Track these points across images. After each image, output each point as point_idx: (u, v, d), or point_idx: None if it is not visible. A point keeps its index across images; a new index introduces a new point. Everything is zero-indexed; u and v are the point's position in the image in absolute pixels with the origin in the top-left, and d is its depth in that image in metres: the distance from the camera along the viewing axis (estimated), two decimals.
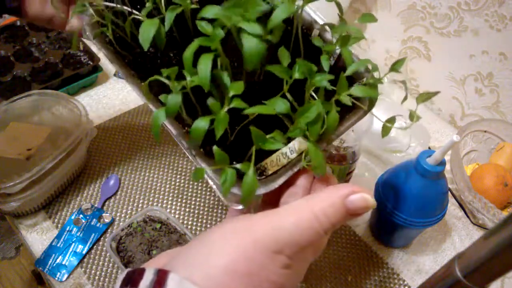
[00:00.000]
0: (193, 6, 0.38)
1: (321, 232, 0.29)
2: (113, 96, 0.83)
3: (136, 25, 0.40)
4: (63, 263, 0.59)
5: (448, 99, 0.88)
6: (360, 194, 0.30)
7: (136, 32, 0.40)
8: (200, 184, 0.70)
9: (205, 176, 0.35)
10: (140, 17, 0.38)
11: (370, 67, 0.37)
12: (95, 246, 0.62)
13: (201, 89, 0.33)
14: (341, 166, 0.59)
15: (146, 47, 0.34)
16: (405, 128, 0.38)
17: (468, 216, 0.71)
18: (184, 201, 0.68)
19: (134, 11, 0.40)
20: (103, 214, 0.65)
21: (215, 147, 0.32)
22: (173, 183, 0.70)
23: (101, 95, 0.83)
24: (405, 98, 0.38)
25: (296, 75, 0.34)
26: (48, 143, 0.65)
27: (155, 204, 0.67)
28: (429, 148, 0.78)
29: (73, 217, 0.64)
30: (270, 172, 0.35)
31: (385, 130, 0.38)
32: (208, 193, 0.69)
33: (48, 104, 0.69)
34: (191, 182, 0.71)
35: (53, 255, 0.60)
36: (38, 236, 0.63)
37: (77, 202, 0.67)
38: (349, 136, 0.60)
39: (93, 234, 0.62)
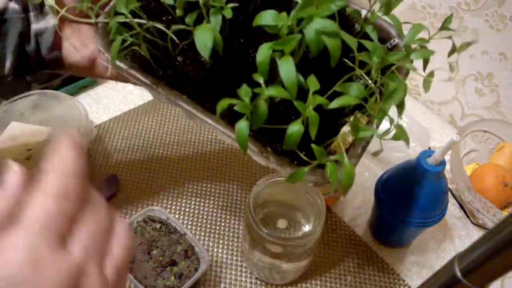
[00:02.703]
0: (231, 5, 0.37)
1: None
2: (113, 96, 0.83)
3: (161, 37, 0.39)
4: None
5: (448, 99, 0.88)
6: None
7: (169, 46, 0.40)
8: (200, 184, 0.70)
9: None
10: (163, 28, 0.38)
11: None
12: None
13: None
14: None
15: (207, 55, 0.34)
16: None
17: (468, 216, 0.71)
18: (184, 201, 0.68)
19: (155, 24, 0.39)
20: None
21: (313, 145, 0.33)
22: (173, 183, 0.70)
23: (101, 95, 0.83)
24: (453, 51, 0.40)
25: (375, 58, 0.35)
26: (48, 143, 0.65)
27: (155, 204, 0.67)
28: (429, 148, 0.78)
29: None
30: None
31: (427, 84, 0.38)
32: (208, 193, 0.69)
33: (48, 104, 0.69)
34: (191, 182, 0.71)
35: None
36: None
37: None
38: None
39: None
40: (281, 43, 0.32)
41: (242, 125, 0.32)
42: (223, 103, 0.33)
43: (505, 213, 0.68)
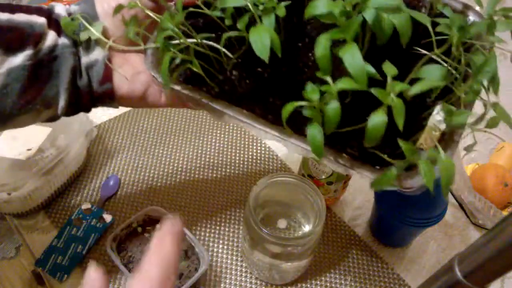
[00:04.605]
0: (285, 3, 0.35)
1: None
2: None
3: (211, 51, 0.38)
4: (63, 263, 0.59)
5: None
6: None
7: (223, 59, 0.38)
8: (200, 183, 0.70)
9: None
10: (213, 44, 0.37)
11: None
12: (95, 246, 0.62)
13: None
14: None
15: (266, 56, 0.31)
16: None
17: (468, 216, 0.71)
18: (184, 201, 0.68)
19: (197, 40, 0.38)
20: (103, 214, 0.64)
21: (401, 141, 0.29)
22: (173, 183, 0.70)
23: None
24: None
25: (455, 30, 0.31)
26: (48, 143, 0.65)
27: (155, 204, 0.67)
28: None
29: (73, 217, 0.64)
30: None
31: None
32: (208, 193, 0.69)
33: None
34: (191, 182, 0.71)
35: (53, 255, 0.60)
36: (38, 236, 0.63)
37: (77, 202, 0.66)
38: None
39: (93, 234, 0.62)
40: (341, 31, 0.29)
41: (314, 130, 0.29)
42: (289, 107, 0.31)
43: (505, 213, 0.68)
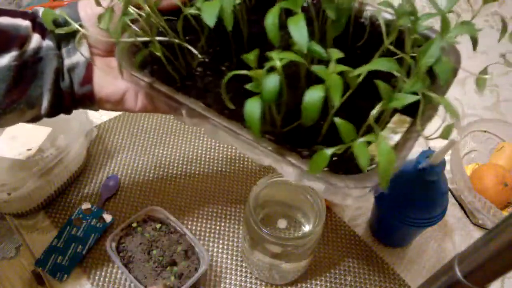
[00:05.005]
0: None
1: None
2: None
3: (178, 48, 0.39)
4: (63, 263, 0.59)
5: (447, 99, 0.88)
6: None
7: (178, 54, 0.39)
8: (200, 184, 0.70)
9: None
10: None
11: None
12: (95, 246, 0.62)
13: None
14: None
15: (212, 22, 0.32)
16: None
17: (468, 216, 0.71)
18: (184, 201, 0.68)
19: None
20: (103, 214, 0.64)
21: (336, 119, 0.28)
22: (173, 183, 0.70)
23: None
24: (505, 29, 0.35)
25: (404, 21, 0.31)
26: (48, 143, 0.65)
27: (155, 204, 0.67)
28: (429, 148, 0.78)
29: (73, 217, 0.64)
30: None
31: (481, 83, 0.34)
32: (208, 193, 0.69)
33: None
34: (191, 182, 0.71)
35: (53, 255, 0.60)
36: (38, 236, 0.63)
37: (77, 202, 0.66)
38: None
39: (93, 234, 0.62)
40: (290, 2, 0.30)
41: (253, 104, 0.28)
42: (230, 75, 0.31)
43: (505, 213, 0.68)
